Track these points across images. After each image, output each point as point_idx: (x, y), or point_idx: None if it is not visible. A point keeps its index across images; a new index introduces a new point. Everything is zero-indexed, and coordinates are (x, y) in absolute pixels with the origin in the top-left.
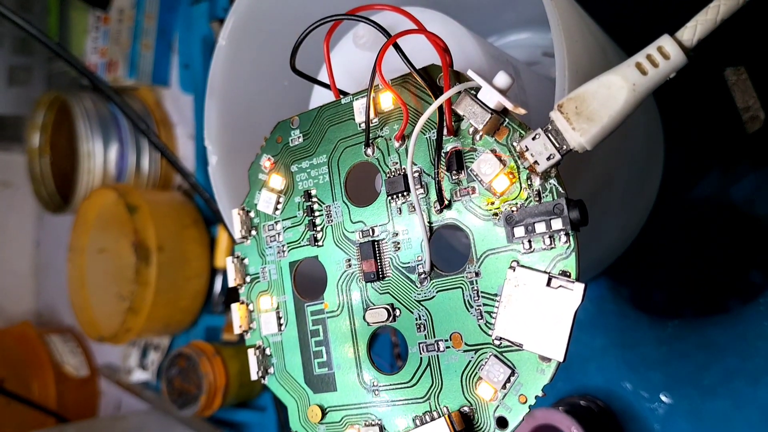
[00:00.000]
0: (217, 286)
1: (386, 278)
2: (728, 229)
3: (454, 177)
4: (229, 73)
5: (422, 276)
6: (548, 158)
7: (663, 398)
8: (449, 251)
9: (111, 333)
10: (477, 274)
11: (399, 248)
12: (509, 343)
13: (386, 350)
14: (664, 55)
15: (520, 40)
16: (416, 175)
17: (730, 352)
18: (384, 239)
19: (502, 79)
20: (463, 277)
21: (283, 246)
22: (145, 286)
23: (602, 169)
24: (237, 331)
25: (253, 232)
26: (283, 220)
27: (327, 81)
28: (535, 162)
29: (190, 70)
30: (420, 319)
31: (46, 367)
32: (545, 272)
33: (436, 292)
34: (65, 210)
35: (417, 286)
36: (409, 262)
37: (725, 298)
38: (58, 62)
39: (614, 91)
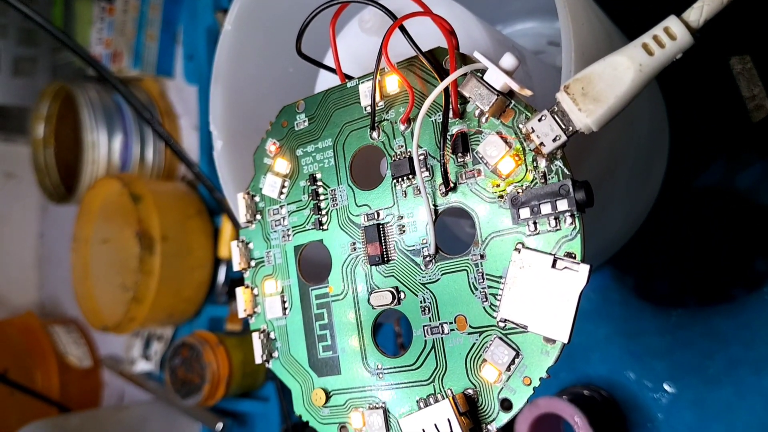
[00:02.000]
0: (221, 276)
1: (391, 261)
2: (733, 217)
3: (459, 160)
4: (235, 58)
5: (427, 259)
6: (554, 139)
7: (666, 387)
8: (454, 241)
9: (115, 323)
10: (482, 257)
11: (404, 231)
12: (514, 325)
13: (390, 341)
14: (671, 35)
15: (526, 29)
16: (422, 158)
17: (734, 341)
18: (389, 222)
19: (508, 60)
20: (468, 259)
21: (288, 230)
22: (148, 275)
23: (607, 155)
24: (242, 315)
25: (258, 217)
26: (288, 204)
27: (333, 66)
28: (541, 143)
29: (195, 61)
30: (425, 302)
31: (50, 358)
32: (550, 254)
33: (441, 275)
34: (69, 200)
35: (422, 269)
36: (414, 245)
37: (729, 287)
38: (62, 53)
39: (621, 72)
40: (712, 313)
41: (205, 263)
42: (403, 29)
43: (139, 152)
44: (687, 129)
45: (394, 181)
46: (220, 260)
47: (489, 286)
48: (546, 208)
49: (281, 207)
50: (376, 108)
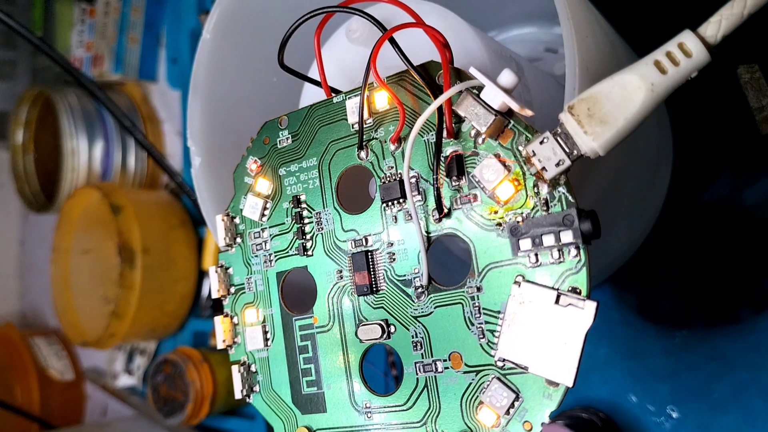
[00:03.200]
0: (205, 289)
1: (380, 292)
2: (740, 234)
3: (454, 183)
4: (215, 68)
5: (419, 290)
6: (557, 164)
7: (670, 412)
8: (446, 256)
9: (95, 338)
10: (479, 289)
11: (394, 259)
12: (513, 365)
13: (380, 358)
14: (686, 52)
15: (522, 35)
16: (413, 180)
17: (742, 365)
18: (378, 249)
19: (507, 77)
20: (463, 292)
21: (270, 255)
22: (129, 289)
23: (611, 173)
24: (220, 346)
25: (239, 240)
26: (270, 227)
27: (318, 78)
28: (543, 168)
29: (178, 65)
30: (416, 337)
31: (30, 371)
32: (553, 288)
33: (435, 308)
34: (49, 209)
35: (413, 301)
36: (405, 275)
37: (737, 307)
38: (43, 56)
39: (631, 92)
40: (719, 334)
41: (188, 275)
42: (393, 41)
43: (120, 160)
44: (692, 141)
45: (384, 205)
46: (204, 272)
47: (486, 322)
48: (548, 240)
49: (263, 230)
50: (365, 126)
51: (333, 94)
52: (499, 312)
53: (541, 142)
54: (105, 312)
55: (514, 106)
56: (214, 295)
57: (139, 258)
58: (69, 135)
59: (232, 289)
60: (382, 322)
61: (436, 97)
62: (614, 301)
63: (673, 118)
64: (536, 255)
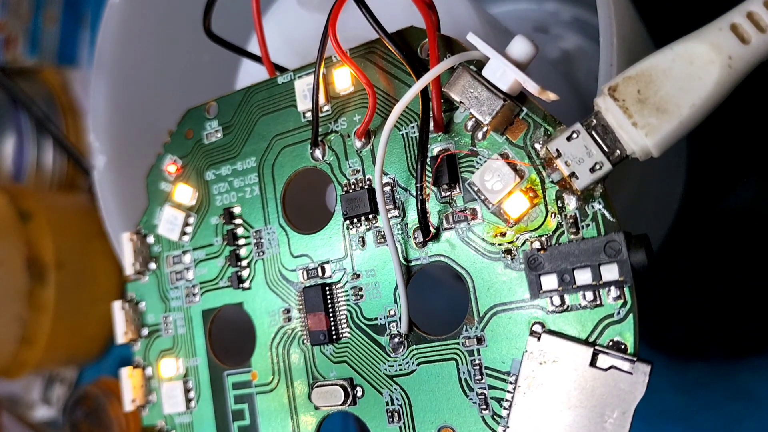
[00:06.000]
0: None
1: (342, 340)
2: (764, 252)
3: (444, 194)
4: (127, 41)
5: (396, 340)
6: (593, 169)
7: None
8: (434, 292)
9: (2, 367)
10: (479, 341)
11: (361, 297)
12: None
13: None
14: None
15: (505, 12)
16: (387, 189)
17: (767, 403)
18: (339, 283)
19: (521, 46)
20: (458, 344)
21: (193, 287)
22: (40, 311)
23: (638, 176)
24: (128, 407)
25: (153, 266)
26: (193, 249)
27: (258, 52)
28: (573, 174)
29: None
30: (392, 404)
31: None
32: (588, 343)
33: (418, 365)
34: None
35: (388, 355)
36: (376, 319)
37: (760, 337)
38: None
39: (699, 68)
40: (740, 368)
41: (111, 293)
42: (359, 1)
43: (35, 157)
44: (709, 143)
45: (347, 222)
46: None
47: (490, 386)
48: (584, 277)
49: (184, 253)
50: (320, 114)
51: (277, 73)
52: (508, 374)
53: (569, 138)
54: (13, 336)
55: (532, 88)
56: (119, 340)
57: (52, 274)
58: None
59: (145, 331)
60: (344, 383)
61: (418, 75)
62: None
63: None
64: (562, 297)
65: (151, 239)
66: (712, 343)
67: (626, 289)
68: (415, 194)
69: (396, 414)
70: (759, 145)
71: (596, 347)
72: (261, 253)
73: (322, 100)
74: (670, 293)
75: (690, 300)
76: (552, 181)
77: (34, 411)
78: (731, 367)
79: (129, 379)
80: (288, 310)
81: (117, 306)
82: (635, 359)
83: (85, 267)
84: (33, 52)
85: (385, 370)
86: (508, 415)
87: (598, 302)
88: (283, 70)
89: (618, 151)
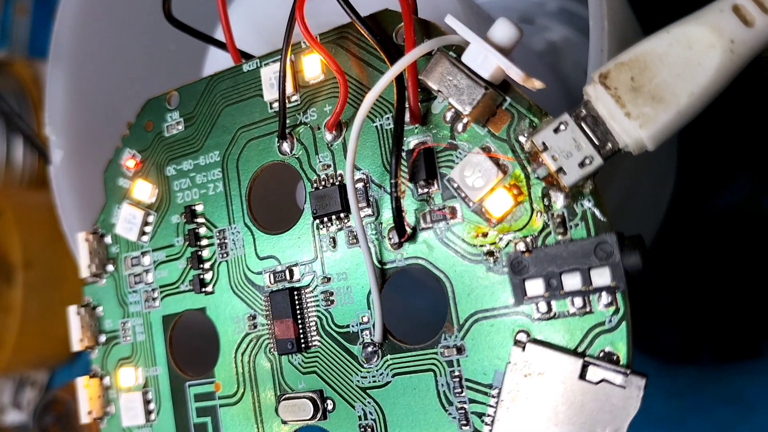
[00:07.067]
0: None
1: (312, 349)
2: (758, 251)
3: (421, 190)
4: (86, 27)
5: (370, 349)
6: (582, 164)
7: None
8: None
9: None
10: (459, 350)
11: (332, 302)
12: None
13: None
14: None
15: (487, 2)
16: (360, 185)
17: (763, 408)
18: (309, 287)
19: (503, 30)
20: (436, 353)
21: (153, 291)
22: (7, 312)
23: (631, 169)
24: (84, 419)
25: (110, 268)
26: (153, 250)
27: (222, 38)
28: (560, 170)
29: None
30: (366, 419)
31: None
32: (577, 353)
33: (393, 377)
34: None
35: (361, 366)
36: (348, 326)
37: (754, 340)
38: None
39: (699, 53)
40: (733, 372)
41: (81, 294)
42: None
43: (4, 153)
44: (700, 138)
45: (317, 221)
46: None
47: (471, 400)
48: (572, 282)
49: (143, 254)
50: (288, 105)
51: (243, 60)
52: (490, 386)
53: (556, 130)
54: None
55: (516, 74)
56: (75, 348)
57: (19, 273)
58: None
59: (102, 338)
60: (314, 395)
61: (393, 61)
62: None
63: None
64: (549, 303)
65: (108, 239)
66: (704, 346)
67: (618, 295)
68: (389, 191)
69: (369, 429)
70: (752, 141)
71: (586, 358)
72: (225, 255)
73: (289, 89)
74: (660, 295)
75: (681, 302)
76: (538, 177)
77: (4, 415)
78: (723, 371)
79: (85, 390)
80: (254, 317)
81: (72, 311)
82: (628, 372)
83: (54, 266)
84: (2, 44)
85: (358, 381)
86: (490, 431)
87: (588, 309)
88: (249, 57)
89: (609, 144)
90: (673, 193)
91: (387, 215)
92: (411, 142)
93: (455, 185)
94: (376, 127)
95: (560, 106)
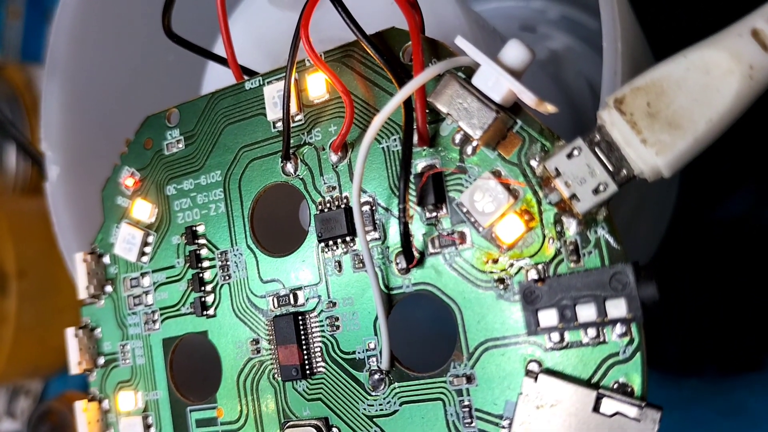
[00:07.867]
0: None
1: (317, 375)
2: (761, 263)
3: (429, 214)
4: (83, 39)
5: (377, 376)
6: (596, 190)
7: None
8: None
9: None
10: (469, 380)
11: (338, 328)
12: None
13: None
14: None
15: (489, 10)
16: (366, 208)
17: (764, 421)
18: (314, 311)
19: (515, 51)
20: (445, 382)
21: (153, 313)
22: (1, 322)
23: (637, 192)
24: None
25: (109, 289)
26: (153, 272)
27: (224, 54)
28: (573, 196)
29: None
30: None
31: None
32: (590, 385)
33: (400, 405)
34: None
35: (368, 393)
36: (354, 352)
37: (757, 352)
38: None
39: (717, 78)
40: (736, 385)
41: (76, 303)
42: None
43: None
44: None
45: (322, 244)
46: None
47: (481, 431)
48: (587, 313)
49: (143, 275)
50: (292, 124)
51: (245, 77)
52: (501, 417)
53: (570, 156)
54: None
55: (529, 99)
56: (73, 371)
57: (13, 283)
58: None
59: (101, 360)
60: (319, 423)
61: (400, 81)
62: None
63: None
64: (562, 334)
65: (107, 259)
66: (707, 358)
67: (633, 326)
68: (397, 215)
69: None
70: (754, 153)
71: (600, 389)
72: (227, 277)
73: (293, 108)
74: (663, 306)
75: (684, 314)
76: (550, 203)
77: None
78: (726, 383)
79: (84, 414)
80: (257, 341)
81: (70, 333)
82: (643, 404)
83: (48, 275)
84: None
85: (364, 409)
86: None
87: (602, 339)
88: (251, 73)
89: (624, 171)
90: (675, 205)
91: (394, 239)
92: (419, 164)
93: (464, 210)
94: (383, 148)
95: (562, 116)
